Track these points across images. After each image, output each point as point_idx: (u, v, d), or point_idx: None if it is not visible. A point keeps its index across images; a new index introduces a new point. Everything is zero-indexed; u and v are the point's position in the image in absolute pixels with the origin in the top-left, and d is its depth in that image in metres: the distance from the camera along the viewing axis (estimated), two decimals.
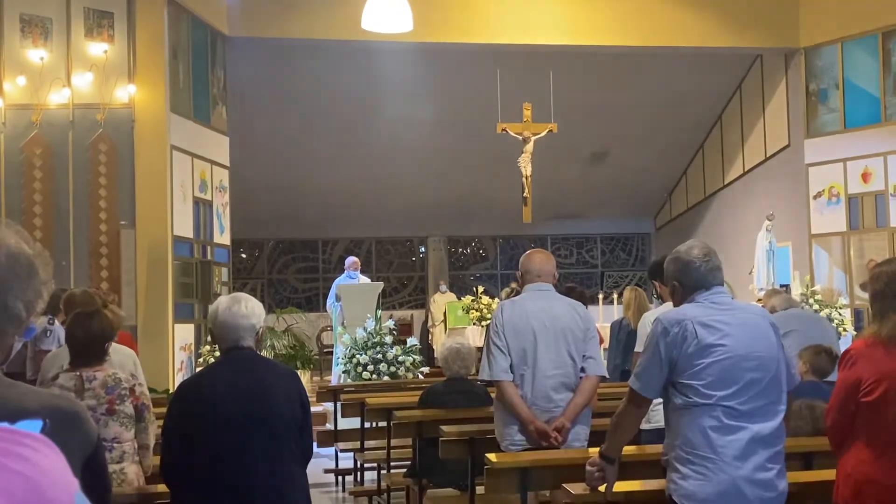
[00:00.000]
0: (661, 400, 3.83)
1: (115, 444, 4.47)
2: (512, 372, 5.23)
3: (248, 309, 3.93)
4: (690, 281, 3.79)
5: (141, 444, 4.61)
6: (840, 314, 13.74)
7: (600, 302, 16.39)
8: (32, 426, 1.24)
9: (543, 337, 5.24)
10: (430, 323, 19.98)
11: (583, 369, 5.27)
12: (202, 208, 12.90)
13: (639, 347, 5.93)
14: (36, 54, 11.62)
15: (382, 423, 8.02)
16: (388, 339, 11.23)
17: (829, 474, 3.96)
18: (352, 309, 12.69)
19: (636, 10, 14.77)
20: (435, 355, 17.39)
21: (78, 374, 4.48)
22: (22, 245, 1.68)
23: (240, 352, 3.92)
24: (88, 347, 4.56)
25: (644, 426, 5.25)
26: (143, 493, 4.26)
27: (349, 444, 8.98)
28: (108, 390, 4.49)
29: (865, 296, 13.64)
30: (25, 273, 1.67)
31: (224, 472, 3.76)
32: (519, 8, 14.52)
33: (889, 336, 3.64)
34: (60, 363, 5.25)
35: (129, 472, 4.50)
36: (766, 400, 3.60)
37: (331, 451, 9.53)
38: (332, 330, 14.94)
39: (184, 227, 12.34)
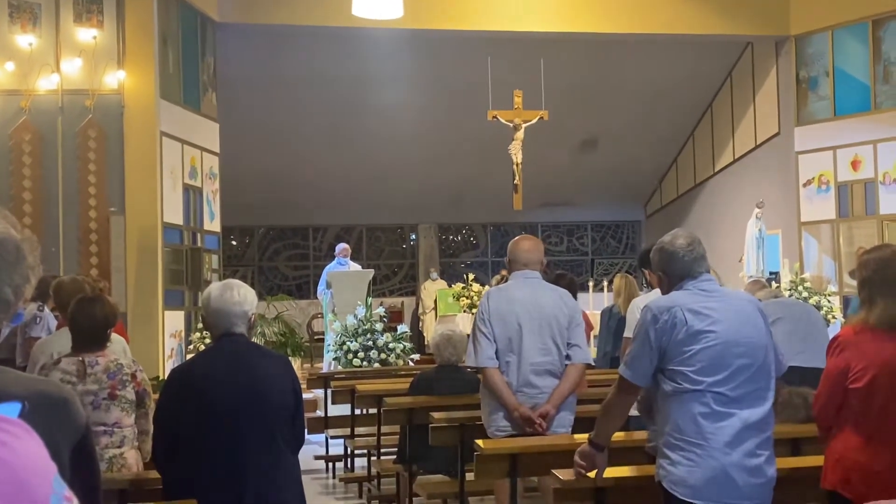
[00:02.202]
0: None
1: (115, 429, 4.49)
2: (497, 359, 5.27)
3: (241, 296, 3.92)
4: (675, 271, 3.80)
5: (141, 429, 4.63)
6: (829, 301, 13.78)
7: (590, 289, 16.40)
8: (10, 409, 1.24)
9: (529, 324, 5.28)
10: (420, 310, 19.98)
11: (568, 357, 5.32)
12: (192, 195, 12.86)
13: (628, 333, 5.95)
14: (24, 40, 11.55)
15: (373, 410, 8.04)
16: (379, 326, 11.24)
17: (816, 460, 3.99)
18: (342, 296, 12.69)
19: None
20: (425, 342, 17.42)
21: (80, 358, 4.50)
22: (9, 229, 1.68)
23: (232, 338, 3.92)
24: (91, 333, 4.57)
25: (633, 413, 5.27)
26: (139, 478, 4.27)
27: (339, 431, 8.98)
28: (110, 375, 4.50)
29: (854, 283, 13.72)
30: (13, 257, 1.67)
31: (216, 459, 3.76)
32: None
33: (877, 323, 3.66)
34: (51, 350, 5.25)
35: (128, 456, 4.52)
36: (756, 386, 3.61)
37: (321, 437, 9.53)
38: (322, 317, 14.94)
39: (174, 213, 12.30)
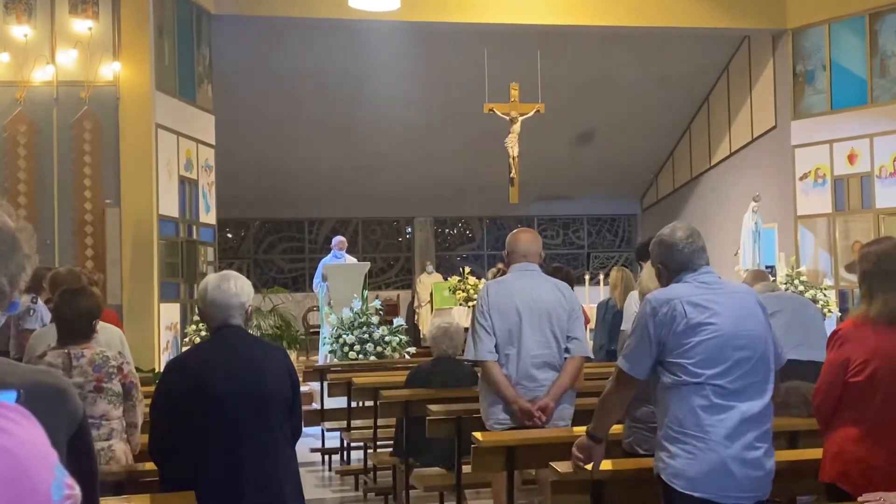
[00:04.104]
0: None
1: (103, 422, 4.46)
2: (497, 352, 5.26)
3: (238, 287, 3.91)
4: (675, 263, 3.78)
5: (129, 421, 4.60)
6: (825, 295, 13.80)
7: (586, 283, 16.42)
8: (6, 397, 1.22)
9: (528, 317, 5.26)
10: (416, 303, 19.96)
11: (567, 350, 5.30)
12: (188, 187, 12.84)
13: (625, 327, 5.94)
14: (20, 31, 11.51)
15: (369, 403, 8.04)
16: (375, 319, 11.23)
17: (814, 453, 3.99)
18: (338, 289, 12.68)
19: None
20: (421, 335, 17.41)
21: (66, 351, 4.47)
22: (5, 218, 1.66)
23: (229, 330, 3.90)
24: (76, 325, 4.55)
25: None
26: (131, 471, 4.25)
27: (336, 424, 8.99)
28: (96, 368, 4.48)
29: (850, 277, 13.74)
30: (8, 247, 1.65)
31: (213, 451, 3.75)
32: None
33: (877, 316, 3.65)
34: (47, 342, 5.23)
35: (117, 449, 4.50)
36: (755, 378, 3.60)
37: (317, 430, 9.54)
38: (318, 310, 14.92)
39: (169, 206, 12.27)
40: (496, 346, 5.27)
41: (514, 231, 5.64)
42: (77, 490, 1.15)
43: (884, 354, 3.60)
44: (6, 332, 7.15)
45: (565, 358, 5.30)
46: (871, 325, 3.66)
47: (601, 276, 15.80)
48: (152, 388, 4.49)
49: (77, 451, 1.82)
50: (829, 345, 3.81)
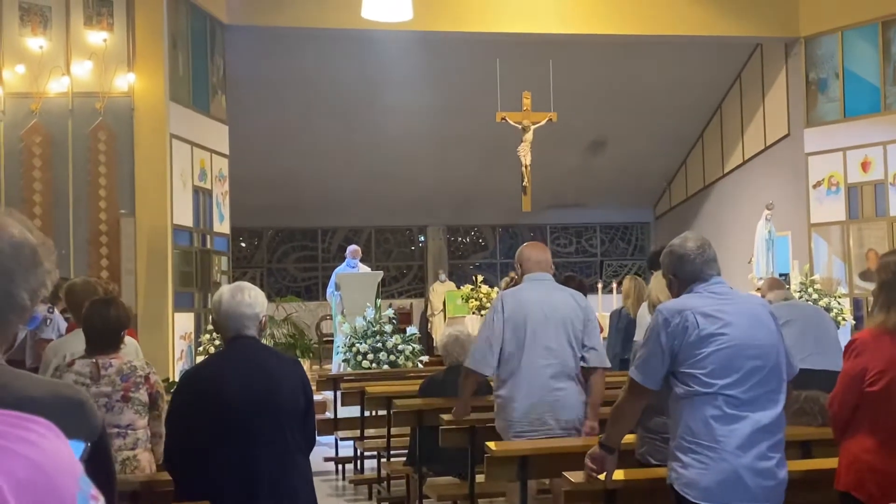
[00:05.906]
0: None
1: (129, 431, 4.51)
2: (510, 361, 5.28)
3: (252, 298, 3.94)
4: (686, 274, 3.79)
5: (154, 431, 4.64)
6: (839, 303, 13.75)
7: (599, 291, 16.39)
8: (75, 447, 1.25)
9: (543, 326, 5.27)
10: (429, 312, 19.99)
11: (584, 359, 5.30)
12: (202, 197, 12.88)
13: (638, 336, 5.94)
14: (35, 42, 11.59)
15: (382, 412, 8.05)
16: (388, 327, 11.25)
17: (828, 463, 3.99)
18: (351, 298, 12.71)
19: None
20: (434, 344, 17.42)
21: (94, 360, 4.52)
22: (26, 234, 1.69)
23: (243, 341, 3.93)
24: (105, 335, 4.60)
25: None
26: (152, 480, 4.28)
27: (349, 433, 9.01)
28: (124, 377, 4.53)
29: (864, 285, 13.70)
30: (29, 262, 1.68)
31: (228, 461, 3.77)
32: None
33: (895, 327, 3.64)
34: (63, 352, 5.27)
35: (141, 458, 4.54)
36: (767, 388, 3.61)
37: (331, 439, 9.55)
38: (331, 319, 14.95)
39: (183, 215, 12.32)
40: (508, 356, 5.29)
41: (525, 243, 5.74)
42: (102, 501, 1.17)
43: None
44: (22, 341, 7.20)
45: (583, 368, 5.32)
46: (889, 335, 3.66)
47: (614, 285, 15.78)
48: (168, 398, 4.52)
49: (96, 463, 1.84)
50: (845, 354, 3.81)
